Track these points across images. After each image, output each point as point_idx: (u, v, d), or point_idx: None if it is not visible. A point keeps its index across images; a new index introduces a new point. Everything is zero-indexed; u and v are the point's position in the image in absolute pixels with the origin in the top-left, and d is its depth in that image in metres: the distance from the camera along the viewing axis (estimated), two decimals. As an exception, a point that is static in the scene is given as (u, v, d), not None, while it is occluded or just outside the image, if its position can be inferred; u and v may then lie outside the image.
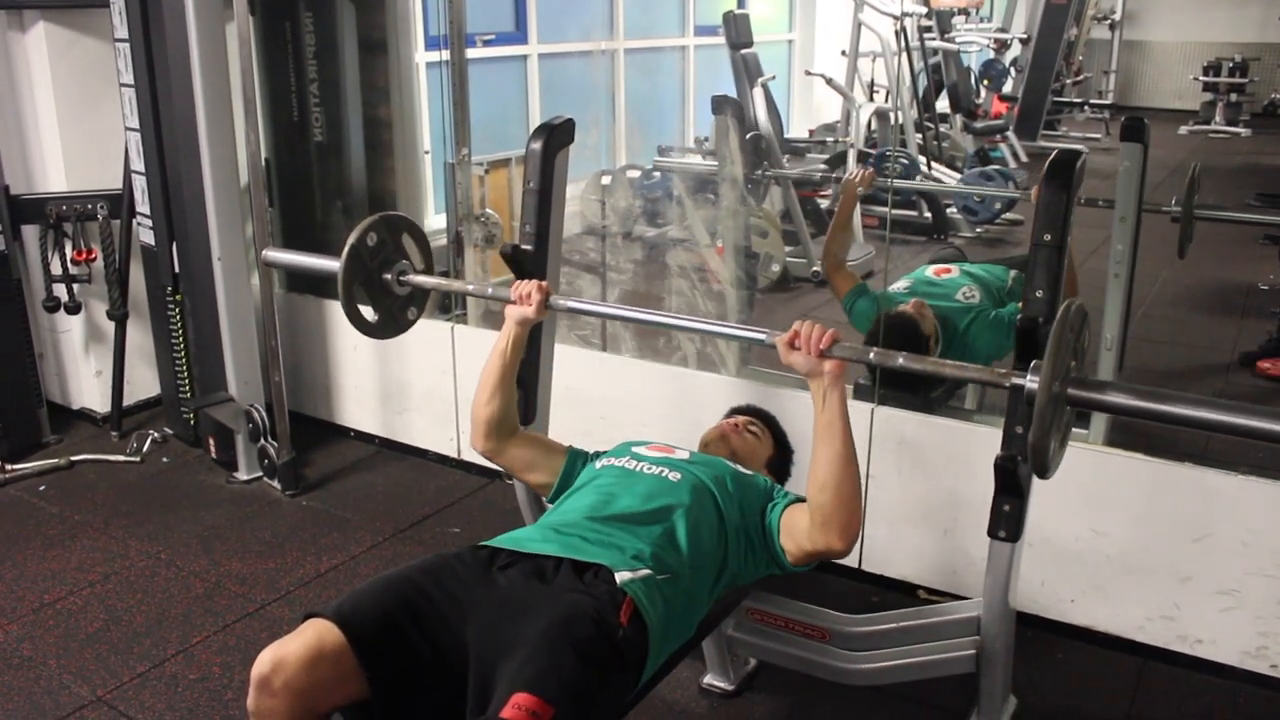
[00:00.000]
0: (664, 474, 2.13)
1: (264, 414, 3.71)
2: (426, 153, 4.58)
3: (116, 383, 4.12)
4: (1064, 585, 2.82)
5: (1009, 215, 5.87)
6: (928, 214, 5.90)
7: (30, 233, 3.97)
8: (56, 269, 3.94)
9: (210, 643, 2.84)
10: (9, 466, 3.81)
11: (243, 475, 3.80)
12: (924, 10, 7.37)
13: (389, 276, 2.40)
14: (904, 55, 6.61)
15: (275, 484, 3.73)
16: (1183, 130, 8.46)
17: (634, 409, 3.40)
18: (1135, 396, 1.64)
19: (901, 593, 3.05)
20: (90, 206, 3.92)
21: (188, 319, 3.83)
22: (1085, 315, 1.74)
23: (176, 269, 3.77)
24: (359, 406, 4.12)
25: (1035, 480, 1.89)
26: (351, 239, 2.31)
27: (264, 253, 2.78)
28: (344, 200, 4.21)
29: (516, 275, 2.54)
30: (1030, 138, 7.89)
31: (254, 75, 3.53)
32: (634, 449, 2.27)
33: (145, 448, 4.00)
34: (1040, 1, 8.12)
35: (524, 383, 2.52)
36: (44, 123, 3.96)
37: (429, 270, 2.48)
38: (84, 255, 3.97)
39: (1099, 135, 8.22)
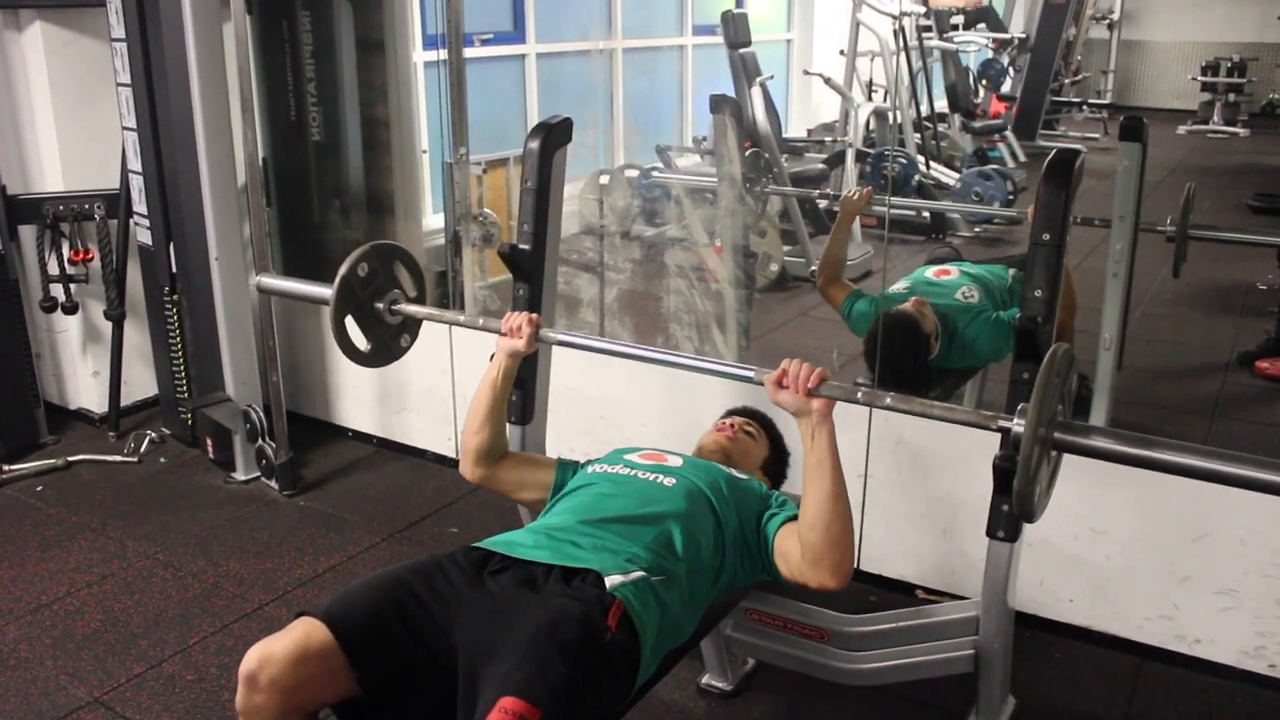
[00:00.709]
0: (658, 480, 2.13)
1: (261, 414, 3.70)
2: (424, 152, 4.57)
3: (114, 383, 4.12)
4: (1062, 585, 2.82)
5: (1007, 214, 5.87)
6: (926, 214, 5.90)
7: (27, 233, 3.97)
8: (54, 269, 3.93)
9: (208, 643, 2.83)
10: (6, 467, 3.81)
11: (240, 475, 3.80)
12: (922, 10, 7.36)
13: (381, 306, 2.40)
14: (902, 55, 6.60)
15: (273, 484, 3.73)
16: (1181, 130, 8.46)
17: (633, 408, 3.40)
18: (1121, 442, 1.66)
19: (900, 593, 3.05)
20: (87, 206, 3.92)
21: (185, 319, 3.82)
22: (1072, 359, 1.75)
23: (174, 269, 3.77)
24: (357, 406, 4.12)
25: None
26: (342, 270, 2.31)
27: (258, 278, 2.79)
28: (342, 200, 4.20)
29: (514, 275, 2.54)
30: (1029, 137, 7.89)
31: (251, 74, 3.52)
32: (625, 456, 2.27)
33: (143, 448, 4.00)
34: (1039, 1, 8.12)
35: (522, 382, 2.52)
36: (41, 122, 3.96)
37: (422, 296, 2.48)
38: (81, 255, 3.96)
39: (1097, 135, 8.22)
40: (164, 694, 2.62)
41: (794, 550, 1.98)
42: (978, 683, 2.34)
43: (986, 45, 8.28)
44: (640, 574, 1.86)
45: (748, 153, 4.66)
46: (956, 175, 6.35)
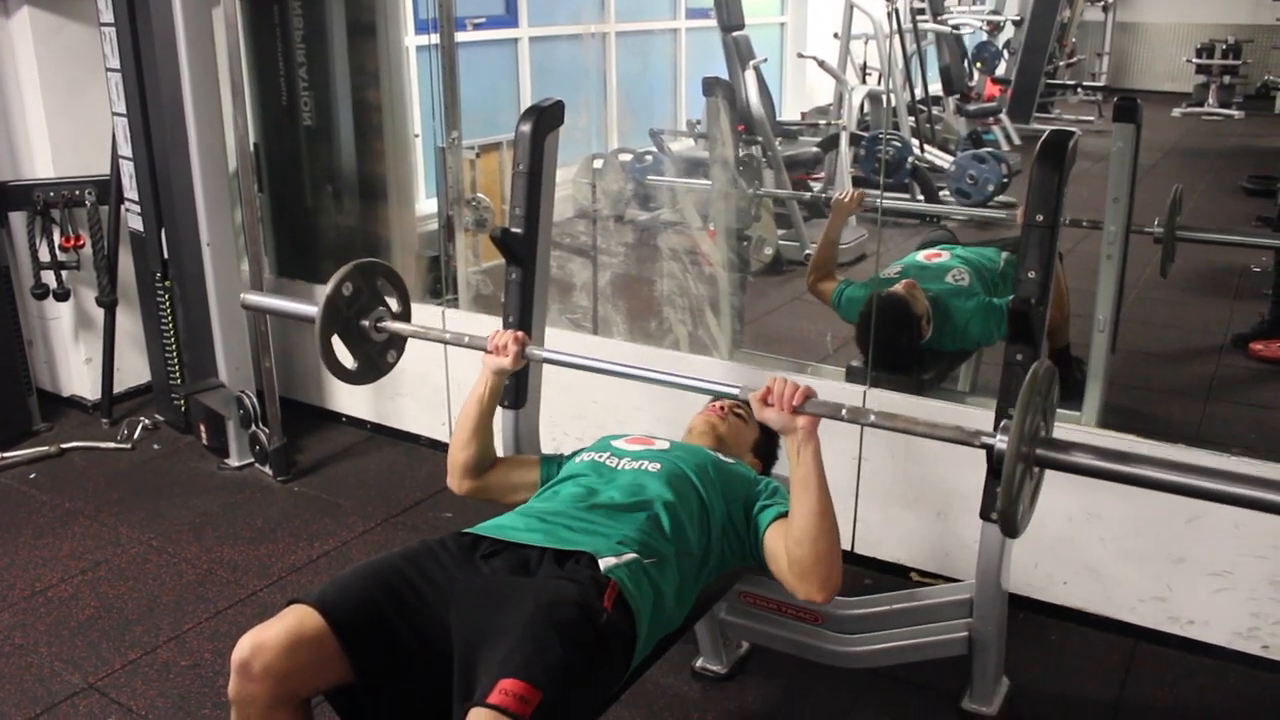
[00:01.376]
0: (643, 466, 2.13)
1: (255, 400, 3.69)
2: (417, 137, 4.55)
3: (106, 369, 4.11)
4: (1056, 567, 2.82)
5: (1002, 198, 5.86)
6: (920, 196, 5.88)
7: (18, 219, 3.95)
8: (45, 256, 3.92)
9: (202, 629, 2.83)
10: (-1, 454, 3.80)
11: (234, 461, 3.79)
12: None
13: (367, 323, 2.40)
14: (896, 37, 6.58)
15: (267, 470, 3.72)
16: (1176, 112, 8.45)
17: (626, 392, 3.39)
18: (1104, 458, 1.67)
19: (894, 575, 3.06)
20: (78, 192, 3.90)
21: (177, 305, 3.81)
22: (1054, 374, 1.76)
23: (165, 255, 3.75)
24: (350, 392, 4.11)
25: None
26: (327, 290, 2.31)
27: (243, 296, 2.78)
28: (334, 185, 4.18)
29: (507, 259, 2.53)
30: (1023, 120, 7.87)
31: (242, 59, 3.50)
32: (613, 443, 2.26)
33: (136, 435, 3.99)
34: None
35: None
36: (30, 108, 3.94)
37: (407, 311, 2.48)
38: (72, 242, 3.95)
39: (1092, 117, 8.21)
40: (158, 680, 2.62)
41: (781, 557, 1.98)
42: (972, 664, 2.35)
43: (980, 28, 8.25)
44: (633, 556, 1.86)
45: (740, 161, 4.65)
46: (951, 158, 6.32)
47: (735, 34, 5.94)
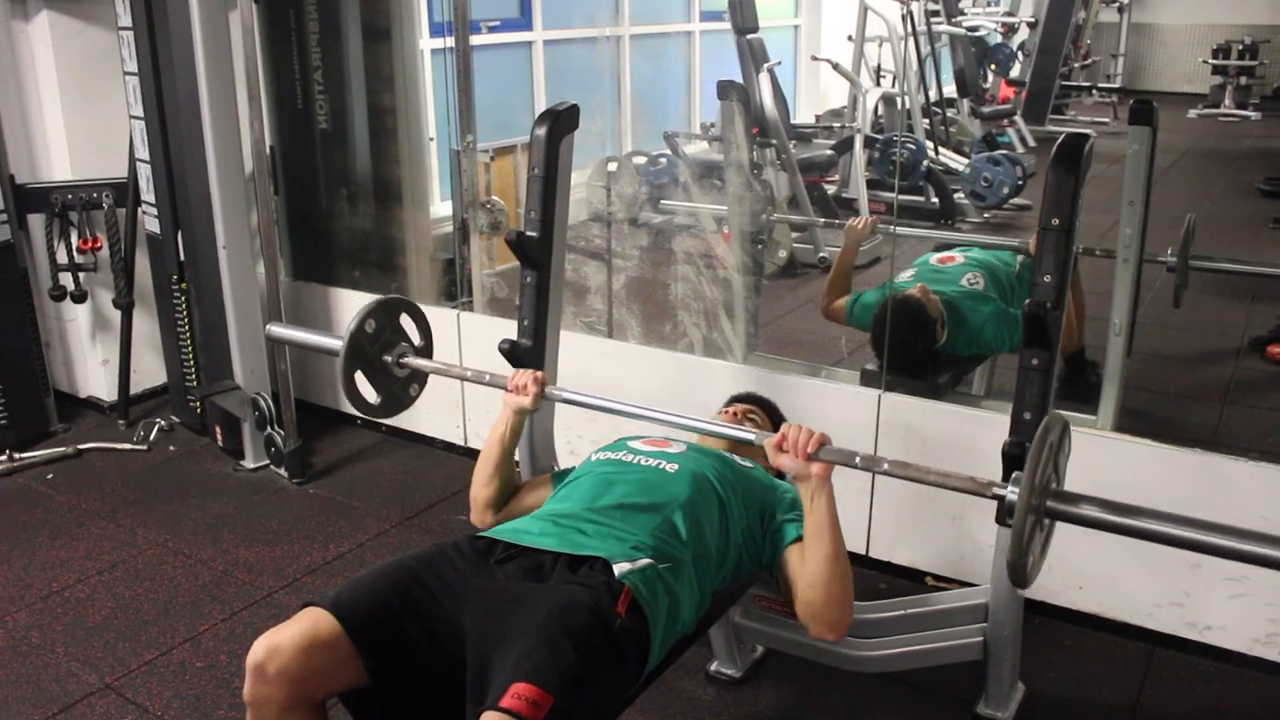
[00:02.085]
0: (661, 466, 2.13)
1: (270, 402, 3.71)
2: (431, 140, 4.56)
3: (123, 371, 4.13)
4: (1072, 572, 2.81)
5: (1017, 200, 5.85)
6: (935, 199, 5.88)
7: (36, 221, 3.97)
8: (62, 258, 3.94)
9: (217, 630, 2.84)
10: (16, 455, 3.82)
11: (249, 463, 3.81)
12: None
13: (389, 359, 2.42)
14: (911, 40, 6.57)
15: (282, 472, 3.73)
16: (1192, 114, 8.42)
17: (641, 395, 3.38)
18: (1114, 512, 1.71)
19: (909, 580, 3.05)
20: (95, 195, 3.92)
21: (193, 307, 3.83)
22: (1066, 426, 1.80)
23: (182, 257, 3.77)
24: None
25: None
26: (350, 327, 2.34)
27: (268, 328, 2.84)
28: (349, 188, 4.20)
29: (522, 262, 2.53)
30: (1038, 122, 7.85)
31: (258, 63, 3.52)
32: (629, 443, 2.27)
33: (152, 436, 4.01)
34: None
35: (532, 369, 2.52)
36: (49, 111, 3.96)
37: (429, 345, 2.50)
38: (89, 244, 3.97)
39: (1107, 119, 8.19)
40: (174, 680, 2.63)
41: (793, 588, 2.01)
42: (987, 670, 2.34)
43: (995, 30, 8.23)
44: (647, 561, 1.86)
45: (755, 180, 4.65)
46: (965, 161, 6.32)
47: (749, 37, 5.95)
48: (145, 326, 4.19)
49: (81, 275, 3.99)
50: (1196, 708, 2.54)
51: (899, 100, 6.53)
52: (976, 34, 7.77)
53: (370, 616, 1.72)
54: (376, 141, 4.16)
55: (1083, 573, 2.80)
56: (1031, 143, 7.58)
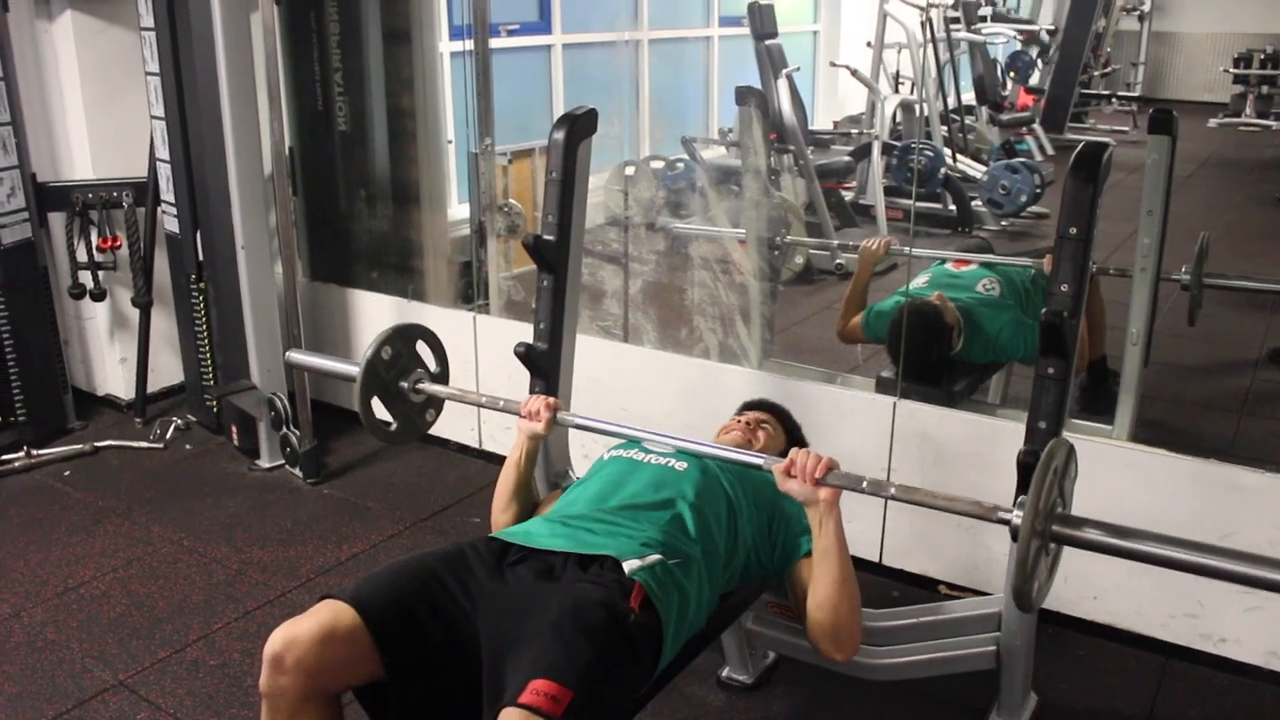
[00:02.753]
0: (670, 464, 2.15)
1: (286, 402, 3.72)
2: (450, 142, 4.57)
3: (140, 370, 4.15)
4: (1086, 582, 2.80)
5: (1035, 208, 5.82)
6: (953, 206, 5.86)
7: (56, 220, 4.00)
8: (82, 256, 3.97)
9: (231, 629, 2.86)
10: (34, 452, 3.84)
11: (265, 463, 3.82)
12: (949, 0, 7.30)
13: (406, 385, 2.43)
14: (930, 46, 6.55)
15: (297, 472, 3.75)
16: (1212, 123, 8.36)
17: (656, 400, 3.39)
18: (1119, 536, 1.71)
19: (922, 588, 3.04)
20: (116, 194, 3.94)
21: (211, 307, 3.85)
22: (1071, 450, 1.81)
23: (200, 257, 3.79)
24: (380, 395, 4.12)
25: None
26: (367, 354, 2.35)
27: (288, 354, 2.87)
28: (367, 190, 4.21)
29: (539, 266, 2.54)
30: (1057, 130, 7.81)
31: (278, 64, 3.54)
32: (643, 441, 2.28)
33: (168, 434, 4.03)
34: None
35: (545, 373, 2.53)
36: (70, 111, 3.99)
37: (445, 373, 2.52)
38: (109, 243, 4.00)
39: (1126, 128, 8.13)
40: (187, 678, 2.65)
41: (800, 604, 2.02)
42: (999, 679, 2.33)
43: (1014, 37, 8.20)
44: (657, 558, 1.87)
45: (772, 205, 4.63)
46: (983, 168, 6.29)
47: (768, 42, 5.94)
48: (163, 325, 4.21)
49: (101, 274, 4.02)
50: (1210, 720, 2.52)
51: (917, 107, 6.51)
52: (997, 41, 7.75)
53: (389, 611, 1.73)
54: (395, 144, 4.17)
55: (1097, 583, 2.79)
56: (1050, 151, 7.54)
